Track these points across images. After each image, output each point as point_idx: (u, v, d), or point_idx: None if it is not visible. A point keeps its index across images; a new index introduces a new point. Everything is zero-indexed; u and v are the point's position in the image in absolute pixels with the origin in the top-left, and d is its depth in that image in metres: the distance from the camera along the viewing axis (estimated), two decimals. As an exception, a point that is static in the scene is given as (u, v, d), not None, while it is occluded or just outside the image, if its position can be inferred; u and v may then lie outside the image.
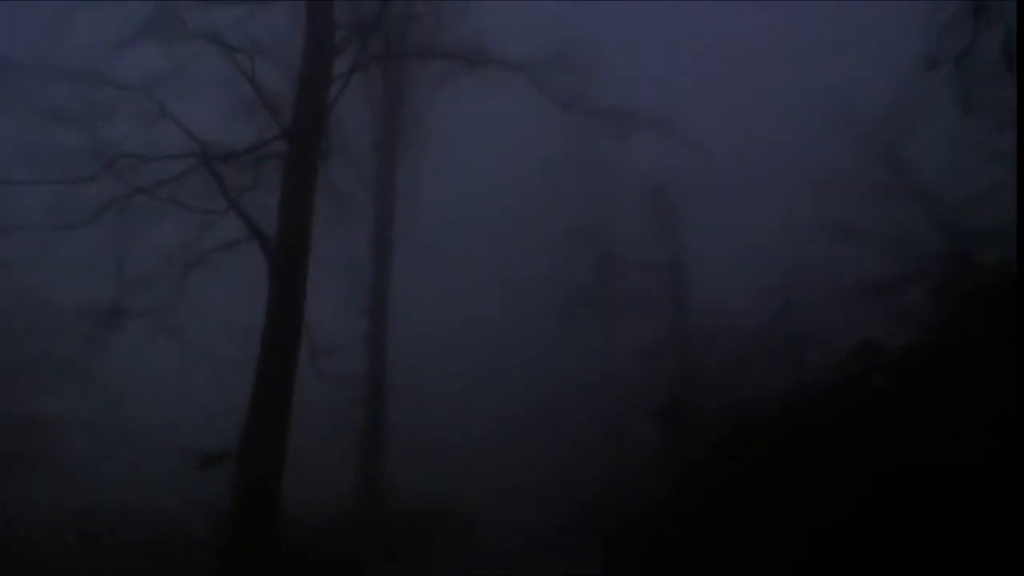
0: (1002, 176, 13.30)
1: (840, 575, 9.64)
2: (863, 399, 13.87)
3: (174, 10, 12.61)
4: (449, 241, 24.84)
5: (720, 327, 20.67)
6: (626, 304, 25.86)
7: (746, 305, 19.67)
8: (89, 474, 14.97)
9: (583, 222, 26.65)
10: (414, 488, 19.60)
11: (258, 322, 11.57)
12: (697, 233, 23.21)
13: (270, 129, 12.63)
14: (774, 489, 11.44)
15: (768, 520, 11.18)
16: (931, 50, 13.41)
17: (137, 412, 16.09)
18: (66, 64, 13.12)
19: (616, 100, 16.02)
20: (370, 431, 21.41)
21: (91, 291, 12.71)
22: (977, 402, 9.68)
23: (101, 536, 12.14)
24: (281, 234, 11.83)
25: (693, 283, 23.83)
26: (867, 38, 19.45)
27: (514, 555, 14.46)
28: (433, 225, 23.85)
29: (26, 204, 13.17)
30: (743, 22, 23.19)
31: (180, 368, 15.34)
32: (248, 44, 12.76)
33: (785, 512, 11.02)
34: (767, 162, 19.94)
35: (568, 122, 15.89)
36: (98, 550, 11.76)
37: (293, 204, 11.87)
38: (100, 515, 13.22)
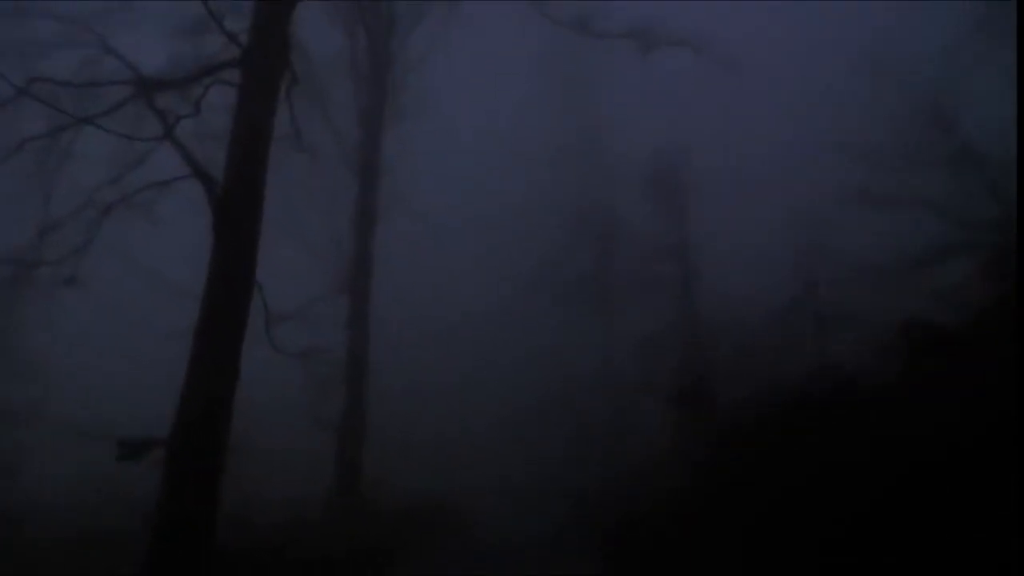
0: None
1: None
2: (910, 385, 12.18)
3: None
4: (440, 219, 22.91)
5: (736, 311, 18.72)
6: (630, 289, 23.93)
7: (768, 284, 17.66)
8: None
9: (586, 199, 24.79)
10: (407, 485, 18.58)
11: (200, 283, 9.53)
12: (711, 207, 21.20)
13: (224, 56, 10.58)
14: (796, 484, 10.73)
15: (790, 516, 10.53)
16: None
17: (55, 391, 13.86)
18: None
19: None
20: (350, 421, 19.43)
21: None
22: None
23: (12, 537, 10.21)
24: (231, 176, 9.83)
25: (706, 264, 21.84)
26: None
27: (511, 553, 13.80)
28: (423, 198, 21.85)
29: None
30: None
31: (107, 337, 13.28)
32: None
33: (813, 507, 10.22)
34: (794, 119, 17.89)
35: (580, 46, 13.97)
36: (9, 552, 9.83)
37: (246, 139, 9.87)
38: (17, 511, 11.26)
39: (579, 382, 23.01)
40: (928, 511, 9.09)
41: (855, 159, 16.41)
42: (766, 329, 17.09)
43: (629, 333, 23.09)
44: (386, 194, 21.73)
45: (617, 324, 23.88)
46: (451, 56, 22.94)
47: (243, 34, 10.58)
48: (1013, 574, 7.71)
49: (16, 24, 11.90)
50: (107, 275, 11.09)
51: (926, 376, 12.82)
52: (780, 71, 17.75)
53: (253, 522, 12.57)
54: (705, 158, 20.89)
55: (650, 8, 16.19)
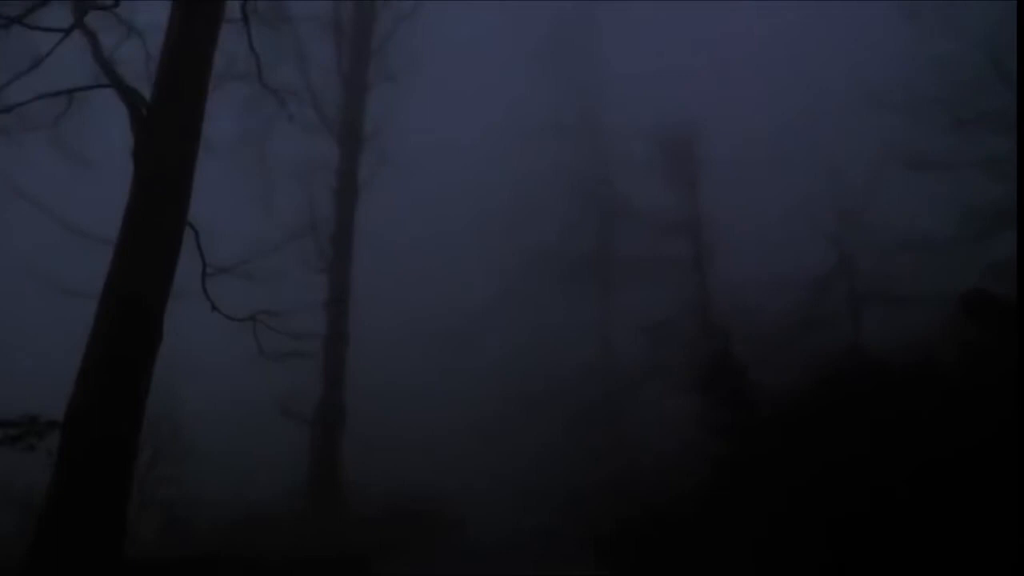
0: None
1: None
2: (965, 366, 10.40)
3: None
4: (428, 190, 20.99)
5: (756, 290, 16.75)
6: (635, 270, 21.97)
7: (794, 260, 15.69)
8: None
9: (588, 172, 22.88)
10: (390, 485, 17.27)
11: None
12: (724, 178, 19.20)
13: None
14: (826, 484, 9.78)
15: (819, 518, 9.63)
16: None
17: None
18: None
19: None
20: (326, 412, 17.46)
21: None
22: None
23: None
24: (160, 92, 7.82)
25: (719, 241, 19.86)
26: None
27: (501, 555, 13.17)
28: (411, 167, 19.90)
29: None
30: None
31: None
32: None
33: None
34: (824, 71, 15.78)
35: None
36: None
37: (180, 49, 7.88)
38: None
39: (577, 371, 21.10)
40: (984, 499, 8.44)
41: (897, 116, 14.51)
42: (793, 309, 15.16)
43: (632, 317, 21.14)
44: (371, 161, 19.74)
45: (618, 308, 21.95)
46: (445, 19, 21.13)
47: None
48: None
49: None
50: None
51: (980, 355, 10.92)
52: (806, 12, 15.67)
53: (199, 527, 10.68)
54: (718, 123, 18.92)
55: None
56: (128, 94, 7.97)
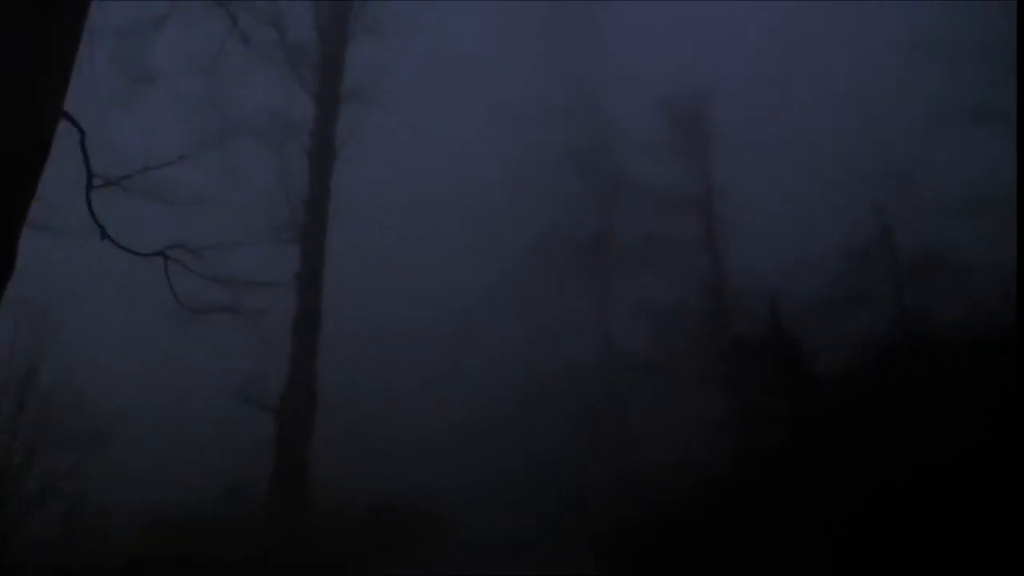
0: None
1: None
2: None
3: None
4: (410, 162, 19.04)
5: (781, 265, 14.84)
6: (640, 251, 20.05)
7: (828, 230, 13.77)
8: None
9: (590, 149, 20.95)
10: (373, 486, 16.00)
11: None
12: (742, 142, 17.27)
13: None
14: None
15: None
16: None
17: None
18: None
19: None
20: (294, 399, 15.45)
21: None
22: None
23: None
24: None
25: (734, 214, 17.95)
26: None
27: (492, 559, 12.27)
28: (395, 132, 17.90)
29: None
30: None
31: None
32: None
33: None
34: (858, 15, 13.76)
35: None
36: None
37: None
38: None
39: (578, 362, 19.20)
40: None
41: (946, 66, 12.67)
42: (829, 286, 13.25)
43: (639, 304, 19.23)
44: (350, 125, 17.74)
45: (623, 293, 20.06)
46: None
47: None
48: None
49: None
50: None
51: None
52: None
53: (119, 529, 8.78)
54: (737, 80, 17.02)
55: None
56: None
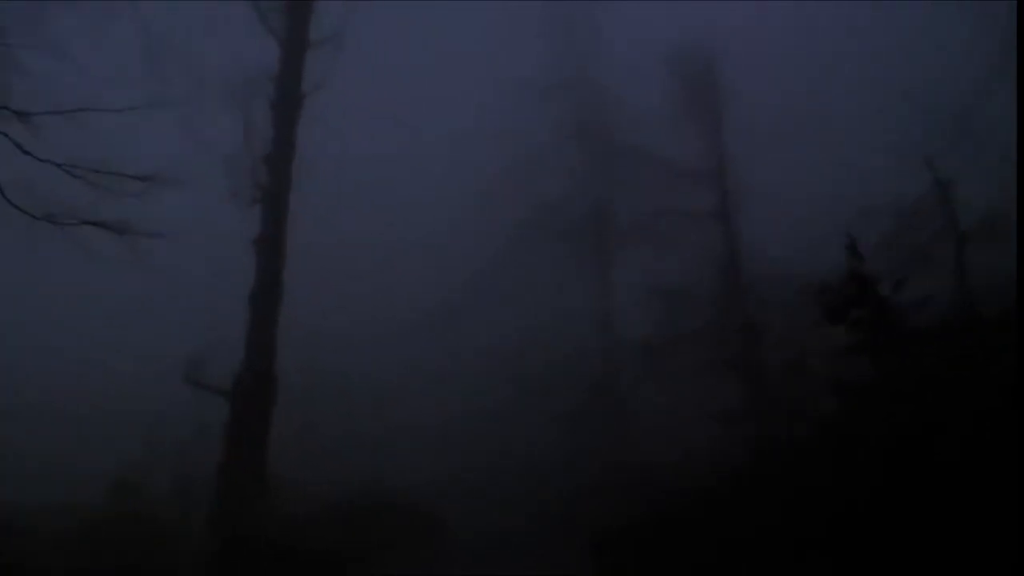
0: None
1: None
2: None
3: None
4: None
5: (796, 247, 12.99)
6: (642, 231, 18.10)
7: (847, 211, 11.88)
8: None
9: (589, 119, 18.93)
10: (352, 481, 15.11)
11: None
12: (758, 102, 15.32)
13: None
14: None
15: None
16: None
17: None
18: None
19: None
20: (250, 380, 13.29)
21: None
22: None
23: None
24: None
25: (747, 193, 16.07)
26: None
27: (482, 560, 12.03)
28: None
29: None
30: None
31: None
32: None
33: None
34: None
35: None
36: None
37: None
38: None
39: (579, 349, 17.27)
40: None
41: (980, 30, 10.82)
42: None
43: (644, 284, 17.29)
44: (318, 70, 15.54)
45: (627, 272, 18.08)
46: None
47: None
48: None
49: None
50: None
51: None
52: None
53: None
54: (749, 40, 15.23)
55: None
56: None
